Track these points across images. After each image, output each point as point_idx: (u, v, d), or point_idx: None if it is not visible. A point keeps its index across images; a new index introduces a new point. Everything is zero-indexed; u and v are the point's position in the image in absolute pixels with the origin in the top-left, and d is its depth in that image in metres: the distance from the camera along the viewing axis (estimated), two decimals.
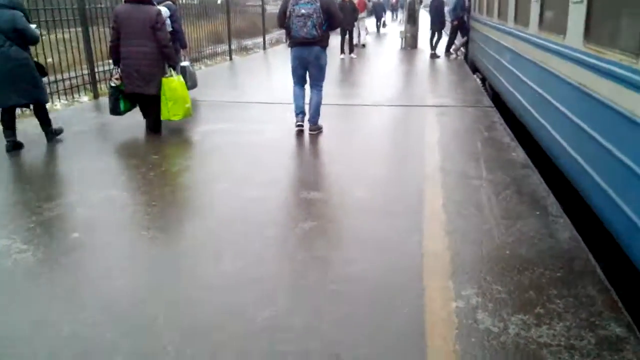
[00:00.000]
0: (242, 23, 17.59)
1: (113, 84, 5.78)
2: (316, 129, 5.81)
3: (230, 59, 13.04)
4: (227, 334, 2.31)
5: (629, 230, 2.83)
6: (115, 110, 5.92)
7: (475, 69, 10.75)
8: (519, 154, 4.94)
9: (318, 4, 5.31)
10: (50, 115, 5.56)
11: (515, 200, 3.82)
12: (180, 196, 4.00)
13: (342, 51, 12.56)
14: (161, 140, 5.68)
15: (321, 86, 5.80)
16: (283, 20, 5.55)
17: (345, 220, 3.55)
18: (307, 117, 5.84)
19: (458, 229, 3.35)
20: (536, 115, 4.99)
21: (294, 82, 5.85)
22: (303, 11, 5.34)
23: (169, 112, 5.78)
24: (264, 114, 6.84)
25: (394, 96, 7.93)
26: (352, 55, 12.55)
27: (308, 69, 5.68)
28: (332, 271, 2.86)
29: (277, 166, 4.70)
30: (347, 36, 12.57)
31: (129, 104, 5.95)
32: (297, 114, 5.86)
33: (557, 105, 4.28)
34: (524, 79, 5.61)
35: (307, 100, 5.89)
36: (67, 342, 2.27)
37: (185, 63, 7.67)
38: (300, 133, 5.78)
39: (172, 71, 5.87)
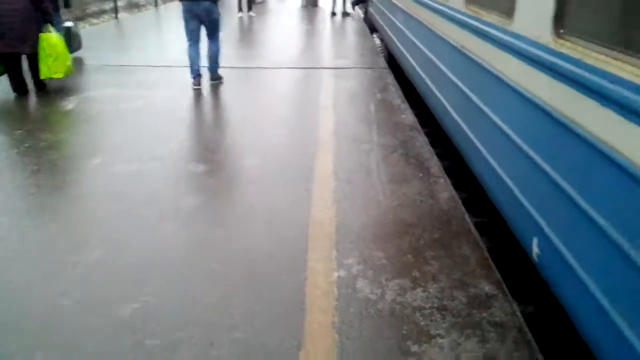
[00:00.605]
0: None
1: None
2: (216, 79, 5.91)
3: (116, 17, 11.95)
4: (86, 333, 2.10)
5: (500, 187, 2.96)
6: None
7: (374, 29, 10.79)
8: (408, 116, 5.03)
9: None
10: None
11: (402, 163, 3.88)
12: (45, 176, 3.59)
13: (240, 9, 11.99)
14: (30, 111, 5.08)
15: (217, 37, 5.85)
16: None
17: (232, 193, 3.40)
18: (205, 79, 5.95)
19: (346, 195, 3.34)
20: (424, 76, 5.09)
21: (188, 40, 5.79)
22: None
23: (49, 69, 5.43)
24: (152, 78, 6.34)
25: (293, 58, 7.73)
26: (251, 13, 12.04)
27: (202, 24, 5.70)
28: (213, 251, 2.72)
29: (163, 136, 4.38)
30: None
31: (3, 67, 5.37)
32: (193, 76, 5.81)
33: (441, 67, 4.37)
34: (414, 39, 5.67)
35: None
36: None
37: (69, 23, 7.04)
38: (197, 95, 5.66)
39: (51, 27, 5.41)
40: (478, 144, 3.31)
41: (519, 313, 2.29)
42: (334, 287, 2.41)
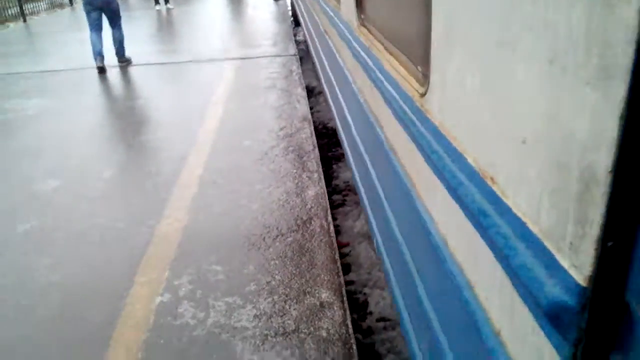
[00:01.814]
0: None
1: None
2: (125, 61, 6.52)
3: (24, 20, 11.23)
4: None
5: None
6: None
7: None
8: (302, 106, 4.78)
9: None
10: None
11: (279, 160, 3.63)
12: None
13: (157, 1, 11.44)
14: None
15: (120, 25, 6.43)
16: None
17: (72, 215, 3.04)
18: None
19: (205, 203, 3.07)
20: (316, 59, 4.88)
21: (90, 29, 6.23)
22: None
23: None
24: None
25: (206, 51, 7.33)
26: (169, 5, 11.50)
27: (103, 13, 6.24)
28: (30, 283, 2.42)
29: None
30: None
31: None
32: (95, 57, 6.25)
33: (319, 47, 4.18)
34: (309, 25, 5.44)
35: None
36: None
37: None
38: (101, 72, 6.23)
39: None
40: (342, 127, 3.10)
41: (349, 322, 2.10)
42: (151, 316, 2.15)
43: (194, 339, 2.02)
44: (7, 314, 2.23)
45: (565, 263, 0.59)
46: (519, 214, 0.70)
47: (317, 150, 3.79)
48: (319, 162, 3.58)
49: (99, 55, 6.19)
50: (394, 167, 1.53)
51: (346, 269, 2.73)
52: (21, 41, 9.22)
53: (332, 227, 2.79)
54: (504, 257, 0.74)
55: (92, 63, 6.32)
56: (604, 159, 0.50)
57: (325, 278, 2.37)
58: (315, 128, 4.39)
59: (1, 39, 9.38)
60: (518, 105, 0.70)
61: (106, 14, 6.24)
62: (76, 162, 3.77)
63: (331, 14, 3.14)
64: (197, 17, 10.55)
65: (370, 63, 1.83)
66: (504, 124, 0.74)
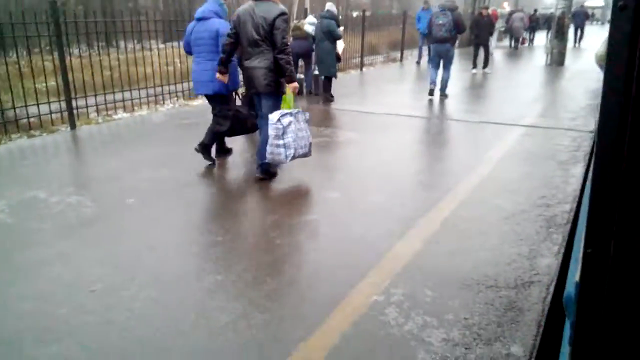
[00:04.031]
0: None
1: None
2: (443, 94, 8.75)
3: (361, 69, 13.72)
4: None
5: None
6: None
7: None
8: (574, 183, 4.65)
9: (450, 18, 8.09)
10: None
11: (525, 224, 3.75)
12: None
13: (474, 66, 12.30)
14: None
15: (449, 68, 8.74)
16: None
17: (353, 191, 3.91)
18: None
19: (442, 239, 3.49)
20: None
21: (431, 67, 8.91)
22: (440, 22, 8.16)
23: None
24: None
25: (501, 115, 7.74)
26: (486, 70, 12.20)
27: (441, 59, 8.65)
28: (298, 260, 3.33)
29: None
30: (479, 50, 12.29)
31: None
32: (430, 83, 8.84)
33: None
34: None
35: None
36: None
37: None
38: (430, 102, 8.65)
39: None
40: None
41: None
42: (366, 307, 2.71)
43: (388, 335, 2.48)
44: None
45: None
46: None
47: (569, 225, 3.72)
48: (566, 237, 3.53)
49: (432, 82, 8.69)
50: None
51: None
52: (354, 85, 11.43)
53: (549, 298, 2.81)
54: None
55: (403, 111, 7.57)
56: None
57: (520, 335, 2.48)
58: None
59: (345, 82, 11.80)
60: None
61: (442, 59, 8.62)
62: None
63: None
64: (512, 86, 10.90)
65: None
66: None
